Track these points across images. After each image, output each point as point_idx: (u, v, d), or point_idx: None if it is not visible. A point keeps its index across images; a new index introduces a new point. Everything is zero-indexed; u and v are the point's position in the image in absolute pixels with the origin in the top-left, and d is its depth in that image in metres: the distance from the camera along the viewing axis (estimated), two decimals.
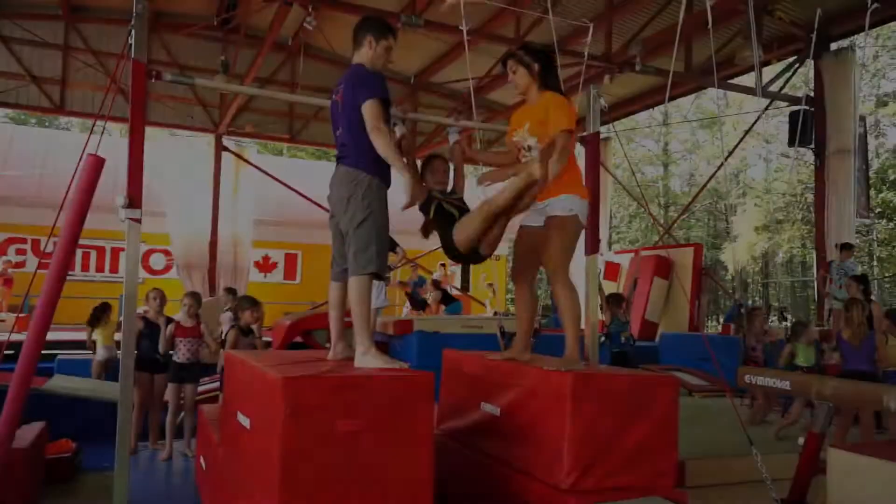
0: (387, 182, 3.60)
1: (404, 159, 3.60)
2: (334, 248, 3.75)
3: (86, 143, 3.92)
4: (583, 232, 4.01)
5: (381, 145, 3.42)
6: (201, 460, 5.02)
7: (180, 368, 6.57)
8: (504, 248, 19.48)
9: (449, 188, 4.11)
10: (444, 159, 4.15)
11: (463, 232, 3.70)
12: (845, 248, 10.30)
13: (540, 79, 3.94)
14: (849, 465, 3.63)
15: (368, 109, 3.44)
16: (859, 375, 5.92)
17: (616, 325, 7.94)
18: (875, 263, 25.37)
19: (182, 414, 6.73)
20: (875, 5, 8.03)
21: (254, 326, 6.59)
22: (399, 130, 4.27)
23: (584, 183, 4.03)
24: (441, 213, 3.90)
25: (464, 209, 3.92)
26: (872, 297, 8.36)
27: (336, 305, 3.79)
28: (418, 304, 12.11)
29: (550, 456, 3.34)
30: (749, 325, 7.84)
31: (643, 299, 13.65)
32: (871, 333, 6.46)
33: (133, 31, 3.80)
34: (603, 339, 7.45)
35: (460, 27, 7.57)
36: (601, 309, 7.71)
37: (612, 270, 15.33)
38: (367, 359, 3.35)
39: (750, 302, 26.53)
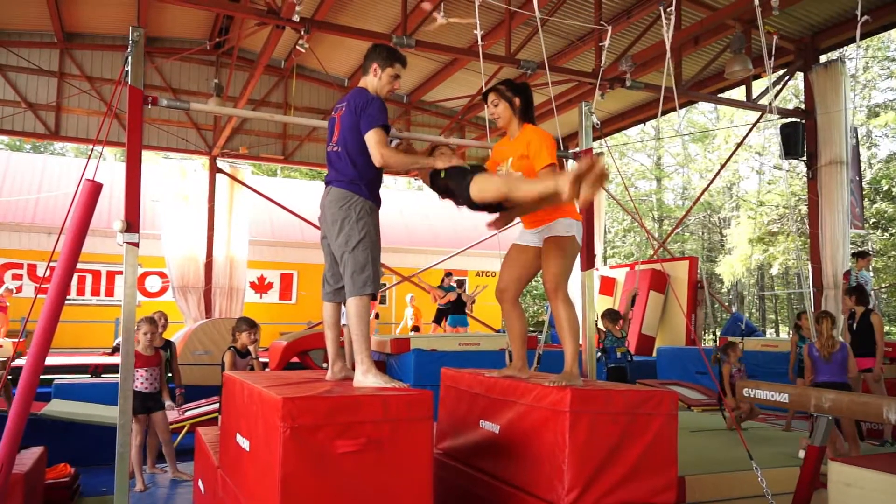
0: (378, 203, 3.65)
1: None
2: (326, 268, 3.77)
3: (84, 169, 3.94)
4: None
5: (396, 163, 3.55)
6: (200, 484, 5.00)
7: (144, 398, 6.40)
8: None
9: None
10: (447, 146, 4.13)
11: (478, 192, 3.57)
12: (861, 256, 10.24)
13: (520, 113, 4.01)
14: (850, 478, 3.62)
15: (372, 139, 3.50)
16: (830, 387, 5.94)
17: (611, 340, 7.95)
18: (871, 274, 25.41)
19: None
20: (865, 18, 8.11)
21: (251, 348, 6.58)
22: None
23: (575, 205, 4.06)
24: (452, 170, 3.75)
25: (475, 168, 3.79)
26: (871, 307, 8.36)
27: (331, 325, 3.81)
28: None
29: (550, 473, 3.34)
30: (727, 357, 7.35)
31: (640, 313, 13.67)
32: (843, 345, 6.52)
33: (129, 58, 3.82)
34: (599, 354, 7.45)
35: (473, 30, 7.55)
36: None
37: (607, 285, 15.37)
38: (368, 378, 3.37)
39: (746, 315, 26.54)
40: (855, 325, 7.76)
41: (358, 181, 3.55)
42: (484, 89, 4.18)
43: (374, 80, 3.71)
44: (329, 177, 3.67)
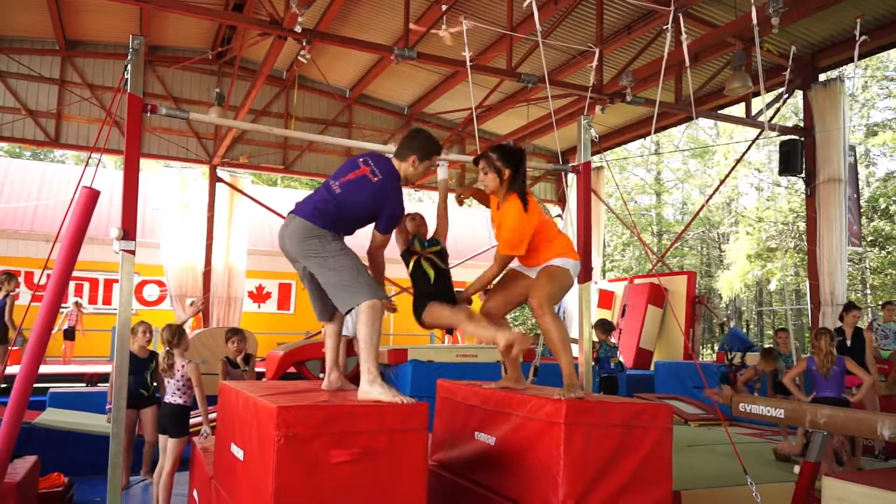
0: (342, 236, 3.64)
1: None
2: (308, 292, 3.71)
3: (81, 176, 3.95)
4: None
5: (376, 263, 3.83)
6: (194, 493, 4.98)
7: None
8: None
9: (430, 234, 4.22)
10: (421, 215, 4.26)
11: (431, 319, 3.94)
12: (888, 306, 9.78)
13: (508, 183, 3.90)
14: (843, 493, 3.62)
15: (380, 241, 3.73)
16: (829, 403, 5.96)
17: (605, 350, 7.98)
18: (868, 291, 25.46)
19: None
20: (864, 38, 8.17)
21: (238, 358, 6.46)
22: (442, 173, 4.65)
23: (574, 248, 4.03)
24: (418, 269, 4.03)
25: (440, 268, 4.04)
26: (861, 326, 8.37)
27: (331, 335, 3.81)
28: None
29: (545, 485, 3.33)
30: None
31: (638, 327, 13.64)
32: (840, 360, 6.53)
33: (129, 67, 3.84)
34: (593, 364, 7.50)
35: (463, 53, 7.73)
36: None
37: (606, 298, 15.36)
38: (374, 389, 3.28)
39: (744, 330, 26.57)
40: (848, 342, 7.79)
41: (330, 222, 3.48)
42: (476, 159, 4.06)
43: (409, 169, 3.69)
44: (299, 206, 3.58)
